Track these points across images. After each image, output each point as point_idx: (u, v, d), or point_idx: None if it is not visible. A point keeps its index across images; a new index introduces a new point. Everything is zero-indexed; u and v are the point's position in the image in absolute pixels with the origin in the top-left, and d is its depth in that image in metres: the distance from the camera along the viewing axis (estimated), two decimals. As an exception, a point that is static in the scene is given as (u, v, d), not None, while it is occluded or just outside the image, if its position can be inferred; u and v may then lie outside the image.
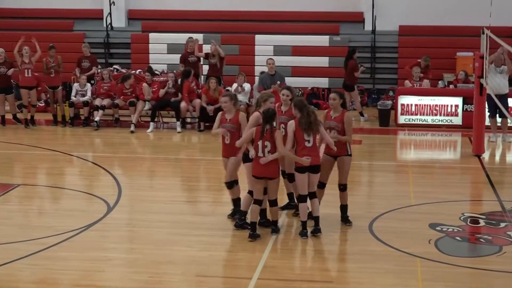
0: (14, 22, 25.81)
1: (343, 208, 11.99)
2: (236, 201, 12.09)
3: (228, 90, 20.61)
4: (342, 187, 11.84)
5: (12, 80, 20.58)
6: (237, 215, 11.86)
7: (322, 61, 24.12)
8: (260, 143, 11.08)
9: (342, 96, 11.80)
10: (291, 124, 11.16)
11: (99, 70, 21.41)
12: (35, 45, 20.29)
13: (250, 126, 11.39)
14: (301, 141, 11.07)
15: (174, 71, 21.04)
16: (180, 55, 21.43)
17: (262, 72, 19.88)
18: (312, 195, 11.29)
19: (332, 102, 11.64)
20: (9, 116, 20.46)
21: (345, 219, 11.97)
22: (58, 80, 20.51)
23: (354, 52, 21.27)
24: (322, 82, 23.75)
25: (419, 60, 21.48)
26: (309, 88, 23.45)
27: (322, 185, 11.73)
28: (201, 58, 21.23)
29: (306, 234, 11.25)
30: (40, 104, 21.66)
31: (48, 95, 21.11)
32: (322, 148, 11.61)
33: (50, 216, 12.40)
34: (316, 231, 11.29)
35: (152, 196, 13.89)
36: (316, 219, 11.31)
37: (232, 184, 11.94)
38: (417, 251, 10.79)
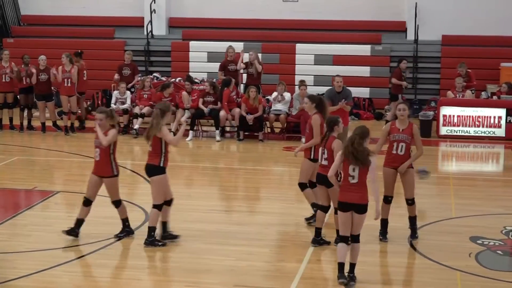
0: (55, 30, 26.05)
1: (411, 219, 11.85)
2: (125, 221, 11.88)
3: (268, 99, 20.58)
4: (410, 202, 11.68)
5: (52, 87, 20.70)
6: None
7: (364, 71, 23.99)
8: (320, 149, 11.15)
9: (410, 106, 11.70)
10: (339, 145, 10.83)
11: (139, 78, 21.47)
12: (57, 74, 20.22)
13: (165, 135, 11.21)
14: (346, 174, 9.99)
15: (214, 80, 21.05)
16: (220, 63, 21.42)
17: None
18: (355, 239, 10.01)
19: (402, 113, 11.43)
20: (49, 123, 20.58)
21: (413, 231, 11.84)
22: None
23: (400, 62, 21.18)
24: (363, 92, 23.60)
25: (459, 71, 21.23)
26: (350, 98, 23.30)
27: (388, 199, 11.62)
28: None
29: (341, 279, 9.94)
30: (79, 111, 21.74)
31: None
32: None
33: (88, 224, 12.33)
34: (352, 279, 9.93)
35: (190, 205, 13.84)
36: (353, 266, 9.97)
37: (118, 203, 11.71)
38: (457, 265, 10.63)
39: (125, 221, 11.82)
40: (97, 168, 11.53)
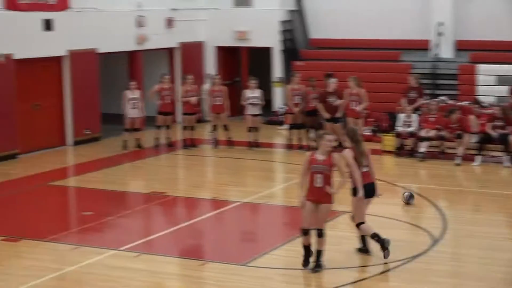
0: (342, 53, 26.46)
1: None
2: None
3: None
4: None
5: (339, 111, 20.99)
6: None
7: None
8: None
9: None
10: None
11: (424, 101, 21.27)
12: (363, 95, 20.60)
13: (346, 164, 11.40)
14: None
15: (504, 104, 20.38)
16: (510, 86, 20.71)
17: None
18: None
19: None
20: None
21: None
22: None
23: None
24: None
25: None
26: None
27: None
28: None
29: None
30: (366, 133, 21.87)
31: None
32: None
33: (374, 245, 12.38)
34: None
35: (478, 232, 13.47)
36: None
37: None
38: None
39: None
40: (315, 194, 11.16)
